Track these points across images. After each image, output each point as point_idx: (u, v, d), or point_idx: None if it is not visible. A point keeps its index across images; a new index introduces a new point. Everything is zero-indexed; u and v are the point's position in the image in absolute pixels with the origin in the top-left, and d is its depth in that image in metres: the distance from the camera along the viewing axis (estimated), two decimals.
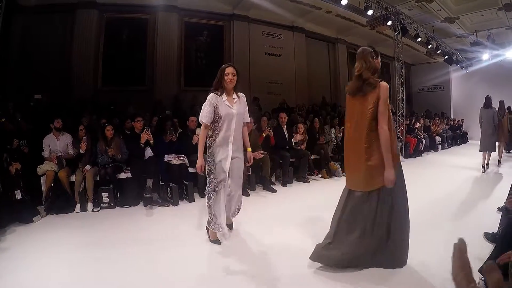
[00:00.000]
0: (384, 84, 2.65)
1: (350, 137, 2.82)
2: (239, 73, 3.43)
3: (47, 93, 8.10)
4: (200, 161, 3.31)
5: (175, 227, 4.04)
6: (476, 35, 14.12)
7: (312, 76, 14.00)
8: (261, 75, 12.06)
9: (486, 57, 15.27)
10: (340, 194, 3.03)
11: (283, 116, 6.93)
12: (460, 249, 1.04)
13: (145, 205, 4.84)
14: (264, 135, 6.38)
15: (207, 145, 3.35)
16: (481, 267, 2.32)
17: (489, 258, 2.34)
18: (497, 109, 7.92)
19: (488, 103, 7.77)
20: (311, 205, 5.02)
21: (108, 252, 3.23)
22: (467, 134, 16.70)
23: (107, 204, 4.75)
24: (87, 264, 2.97)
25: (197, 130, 5.72)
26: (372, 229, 2.70)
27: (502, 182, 6.47)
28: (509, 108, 10.61)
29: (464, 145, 15.13)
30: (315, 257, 2.82)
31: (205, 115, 3.29)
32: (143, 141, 5.11)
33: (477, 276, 2.29)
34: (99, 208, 4.71)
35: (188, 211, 4.71)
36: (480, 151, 7.74)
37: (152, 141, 5.21)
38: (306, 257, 2.89)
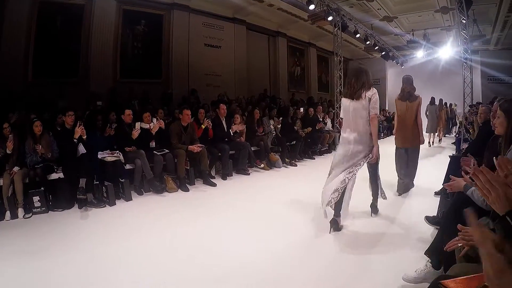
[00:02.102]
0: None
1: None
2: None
3: None
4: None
5: (112, 228, 3.89)
6: (413, 34, 15.16)
7: (252, 68, 14.12)
8: (200, 66, 11.92)
9: (421, 54, 16.49)
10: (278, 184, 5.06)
11: (223, 108, 6.99)
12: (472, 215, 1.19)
13: (79, 207, 4.55)
14: (204, 127, 6.41)
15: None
16: (427, 249, 2.56)
17: (434, 241, 2.57)
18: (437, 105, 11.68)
19: (432, 101, 11.75)
20: (252, 197, 5.22)
21: (42, 261, 3.03)
22: None
23: (39, 209, 4.37)
24: (20, 275, 2.79)
25: (136, 124, 5.60)
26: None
27: (434, 168, 7.09)
28: (445, 103, 14.22)
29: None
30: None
31: None
32: (76, 136, 4.85)
33: (424, 258, 2.57)
34: (30, 214, 4.30)
35: (125, 211, 4.58)
36: (426, 132, 9.73)
37: (85, 137, 4.95)
38: (256, 253, 3.08)
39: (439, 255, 2.40)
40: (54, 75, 8.72)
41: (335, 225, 3.63)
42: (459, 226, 1.72)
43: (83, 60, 9.37)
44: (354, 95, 3.62)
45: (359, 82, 3.62)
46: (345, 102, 3.73)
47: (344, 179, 3.57)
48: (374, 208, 4.16)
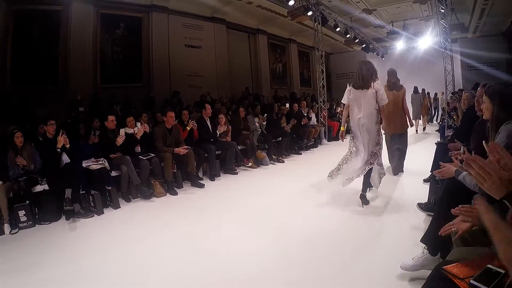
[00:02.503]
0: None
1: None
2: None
3: None
4: None
5: (102, 239, 3.80)
6: (392, 25, 15.34)
7: (233, 67, 14.09)
8: (181, 68, 11.84)
9: (401, 45, 16.71)
10: (268, 183, 5.72)
11: (209, 108, 6.97)
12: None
13: (67, 219, 4.39)
14: (189, 128, 6.36)
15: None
16: (423, 236, 2.59)
17: (429, 227, 2.60)
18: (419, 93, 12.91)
19: (415, 90, 12.87)
20: (242, 197, 5.23)
21: (32, 278, 2.94)
22: None
23: (25, 223, 4.22)
24: None
25: (121, 130, 5.48)
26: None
27: (420, 155, 7.21)
28: (428, 92, 15.31)
29: (382, 126, 16.49)
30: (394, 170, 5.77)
31: None
32: (59, 145, 4.71)
33: (420, 245, 2.60)
34: (17, 229, 4.13)
35: (114, 219, 4.48)
36: (413, 119, 9.51)
37: (68, 146, 4.83)
38: (250, 253, 3.10)
39: (435, 241, 2.43)
40: (33, 84, 8.52)
41: (364, 199, 4.29)
42: (453, 210, 1.75)
43: (62, 67, 9.20)
44: (364, 86, 4.19)
45: (369, 75, 4.20)
46: (355, 91, 4.27)
47: (369, 160, 4.23)
48: (364, 199, 4.33)
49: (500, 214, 1.26)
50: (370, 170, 4.30)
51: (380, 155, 4.37)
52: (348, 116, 4.52)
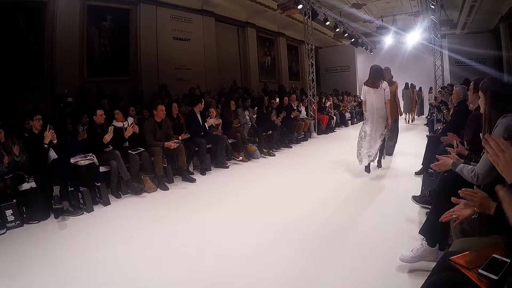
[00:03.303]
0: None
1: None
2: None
3: None
4: None
5: (93, 236, 3.69)
6: (382, 20, 15.42)
7: (222, 60, 13.94)
8: (170, 61, 11.63)
9: (389, 40, 16.76)
10: (259, 176, 5.98)
11: (202, 103, 6.95)
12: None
13: (56, 217, 4.24)
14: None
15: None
16: (421, 228, 2.61)
17: (427, 219, 2.65)
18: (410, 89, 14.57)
19: (406, 86, 14.83)
20: (233, 191, 5.20)
21: (23, 281, 2.81)
22: None
23: (13, 223, 4.03)
24: None
25: (110, 128, 5.25)
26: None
27: (410, 149, 7.32)
28: (415, 86, 16.06)
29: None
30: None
31: None
32: (46, 140, 4.53)
33: (419, 237, 2.62)
34: (5, 230, 3.92)
35: (105, 216, 4.36)
36: (403, 112, 11.12)
37: (55, 141, 4.66)
38: (243, 248, 3.08)
39: (433, 232, 2.47)
40: (17, 77, 8.16)
41: (379, 164, 6.10)
42: (453, 199, 1.77)
43: (48, 60, 8.86)
44: (374, 85, 5.53)
45: (378, 77, 5.56)
46: (368, 89, 5.61)
47: (381, 144, 5.76)
48: (379, 163, 6.10)
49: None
50: (380, 147, 5.79)
51: (386, 137, 5.97)
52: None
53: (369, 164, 5.66)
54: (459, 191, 1.75)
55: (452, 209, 1.76)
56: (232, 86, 13.42)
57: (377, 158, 5.94)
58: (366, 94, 5.67)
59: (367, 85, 5.64)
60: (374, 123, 5.62)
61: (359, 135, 5.76)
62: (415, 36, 15.26)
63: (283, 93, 13.04)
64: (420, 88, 17.15)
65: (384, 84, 5.54)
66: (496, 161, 1.27)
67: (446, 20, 12.60)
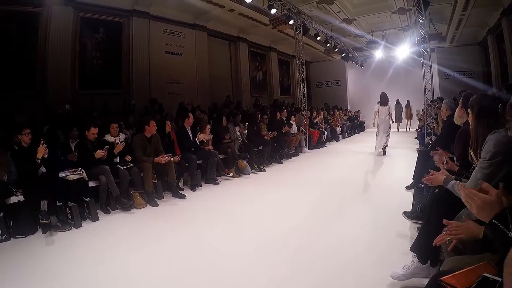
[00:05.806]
0: None
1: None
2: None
3: None
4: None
5: (79, 253, 3.59)
6: (372, 34, 15.68)
7: (214, 75, 14.01)
8: (161, 75, 11.67)
9: (379, 54, 17.07)
10: (249, 192, 5.93)
11: (191, 117, 6.90)
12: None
13: (43, 232, 4.15)
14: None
15: None
16: (413, 244, 2.58)
17: (418, 236, 2.61)
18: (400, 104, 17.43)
19: (397, 102, 17.02)
20: (223, 208, 5.12)
21: None
22: (364, 123, 18.63)
23: (0, 237, 3.94)
24: None
25: (101, 152, 5.21)
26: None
27: (400, 164, 7.36)
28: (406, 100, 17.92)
29: (362, 133, 17.17)
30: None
31: None
32: (39, 156, 4.45)
33: (410, 254, 2.60)
34: None
35: (93, 232, 4.25)
36: (394, 122, 12.82)
37: (46, 156, 4.55)
38: (234, 263, 3.05)
39: (425, 249, 2.45)
40: (9, 88, 8.08)
41: (384, 151, 9.66)
42: (444, 221, 1.77)
43: (40, 71, 8.82)
44: (383, 104, 9.46)
45: (385, 99, 9.54)
46: (380, 107, 9.49)
47: (387, 137, 9.59)
48: (383, 151, 9.65)
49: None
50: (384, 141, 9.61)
51: (389, 136, 9.71)
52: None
53: (383, 149, 9.55)
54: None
55: (443, 232, 1.76)
56: (226, 101, 13.44)
57: (383, 146, 9.57)
58: (378, 108, 9.48)
59: (379, 104, 9.50)
60: (381, 126, 9.41)
61: (375, 134, 9.80)
62: (405, 50, 15.54)
63: (277, 107, 13.09)
64: (408, 101, 17.50)
65: (389, 103, 9.58)
66: (470, 208, 1.42)
67: (435, 34, 12.84)
